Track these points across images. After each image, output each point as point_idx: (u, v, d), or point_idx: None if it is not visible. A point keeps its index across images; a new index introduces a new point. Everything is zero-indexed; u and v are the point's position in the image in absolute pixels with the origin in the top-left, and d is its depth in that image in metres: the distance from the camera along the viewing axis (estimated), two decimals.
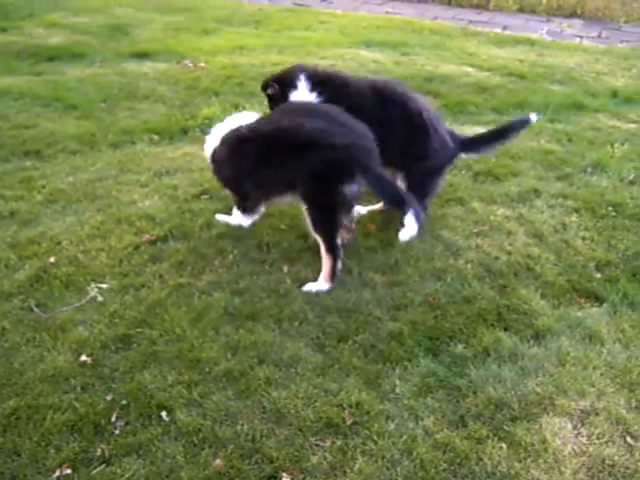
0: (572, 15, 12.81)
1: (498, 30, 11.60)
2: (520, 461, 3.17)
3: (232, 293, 4.25)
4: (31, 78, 8.07)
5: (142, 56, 9.13)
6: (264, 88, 4.98)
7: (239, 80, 8.14)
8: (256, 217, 4.88)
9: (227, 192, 4.98)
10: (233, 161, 4.60)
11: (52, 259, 4.52)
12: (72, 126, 6.69)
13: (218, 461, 3.11)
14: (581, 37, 11.50)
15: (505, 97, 8.00)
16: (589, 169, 6.12)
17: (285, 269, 4.51)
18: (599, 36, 11.65)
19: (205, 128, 6.65)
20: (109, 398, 3.45)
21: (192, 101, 7.48)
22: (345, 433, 3.29)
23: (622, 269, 4.65)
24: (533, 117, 5.07)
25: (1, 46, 9.19)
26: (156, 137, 6.55)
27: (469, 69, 9.09)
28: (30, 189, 5.43)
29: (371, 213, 5.15)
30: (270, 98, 4.95)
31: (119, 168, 5.84)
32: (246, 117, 4.73)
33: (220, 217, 5.01)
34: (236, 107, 7.20)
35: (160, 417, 3.34)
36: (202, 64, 8.73)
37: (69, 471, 3.05)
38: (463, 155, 5.14)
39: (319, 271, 4.39)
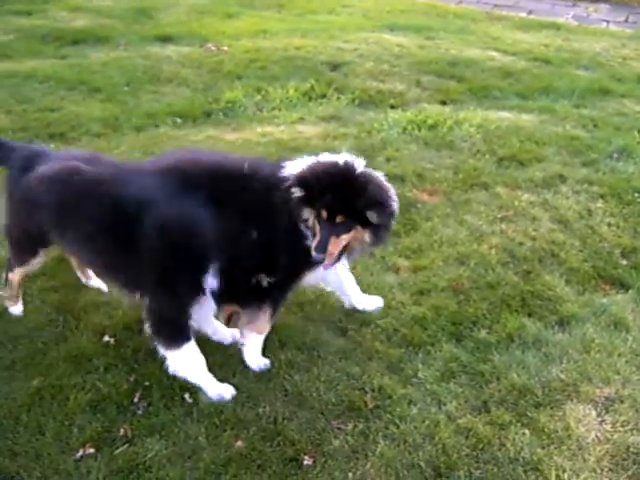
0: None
1: (523, 14, 11.47)
2: (543, 447, 3.15)
3: None
4: (56, 61, 8.09)
5: (166, 39, 9.10)
6: None
7: (262, 64, 8.11)
8: None
9: None
10: None
11: None
12: (96, 109, 6.71)
13: (239, 443, 3.11)
14: (608, 22, 11.35)
15: (530, 82, 7.94)
16: (615, 155, 6.05)
17: None
18: (626, 21, 11.48)
19: (228, 111, 6.69)
20: (132, 379, 3.46)
21: (215, 84, 7.47)
22: (367, 417, 3.29)
23: None
24: None
25: (26, 30, 9.18)
26: (179, 120, 6.55)
27: (494, 53, 9.01)
28: None
29: None
30: None
31: (142, 151, 5.84)
32: None
33: None
34: (259, 91, 7.21)
35: (183, 398, 3.36)
36: (225, 48, 8.70)
37: (92, 450, 3.07)
38: None
39: None
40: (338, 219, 3.16)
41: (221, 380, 3.45)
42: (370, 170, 3.29)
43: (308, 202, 3.18)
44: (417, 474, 3.00)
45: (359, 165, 3.24)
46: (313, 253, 3.22)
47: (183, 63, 8.14)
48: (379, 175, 3.31)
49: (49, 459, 3.03)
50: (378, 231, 3.26)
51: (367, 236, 3.25)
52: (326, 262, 3.28)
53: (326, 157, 3.33)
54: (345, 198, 3.15)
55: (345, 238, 3.22)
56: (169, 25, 9.72)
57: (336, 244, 3.20)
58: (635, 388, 3.50)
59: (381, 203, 3.19)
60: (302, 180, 3.17)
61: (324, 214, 3.17)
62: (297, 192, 3.16)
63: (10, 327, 3.82)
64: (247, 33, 9.45)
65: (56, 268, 4.27)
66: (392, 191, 3.29)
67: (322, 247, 3.17)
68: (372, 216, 3.16)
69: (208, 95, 7.14)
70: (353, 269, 4.26)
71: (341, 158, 3.27)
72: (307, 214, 3.23)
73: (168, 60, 8.23)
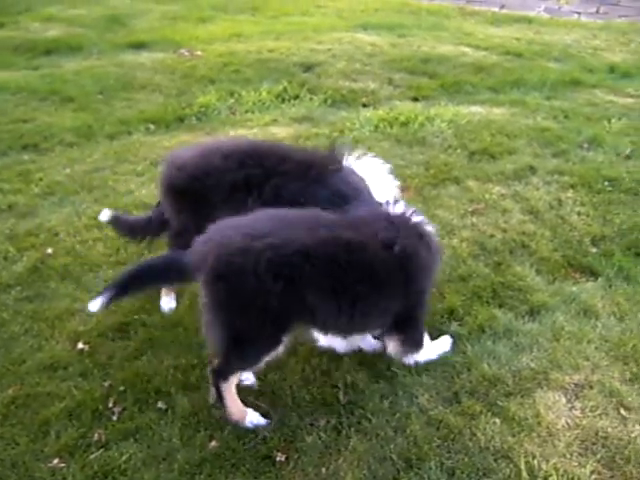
0: None
1: (495, 9, 11.54)
2: (514, 435, 3.20)
3: None
4: (28, 72, 8.09)
5: (139, 46, 9.14)
6: None
7: (235, 67, 8.14)
8: None
9: None
10: None
11: (49, 250, 4.56)
12: (69, 119, 6.72)
13: (213, 443, 3.15)
14: (579, 13, 11.43)
15: (502, 76, 8.02)
16: (585, 145, 6.12)
17: None
18: (597, 12, 11.57)
19: (201, 116, 6.72)
20: (106, 384, 3.49)
21: (189, 89, 7.50)
22: (339, 412, 3.32)
23: (617, 243, 4.67)
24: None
25: None
26: (152, 126, 6.57)
27: (466, 49, 9.07)
28: (28, 182, 5.47)
29: None
30: None
31: (116, 158, 5.87)
32: None
33: None
34: (232, 94, 7.24)
35: (157, 402, 3.38)
36: (199, 52, 8.72)
37: (67, 457, 3.09)
38: None
39: None
40: None
41: (196, 382, 3.50)
42: None
43: None
44: (389, 466, 3.04)
45: None
46: None
47: (156, 69, 8.16)
48: None
49: (24, 467, 3.06)
50: None
51: None
52: None
53: None
54: None
55: None
56: (142, 32, 9.73)
57: None
58: (604, 373, 3.55)
59: None
60: None
61: None
62: None
63: None
64: (221, 37, 9.48)
65: (30, 278, 4.30)
66: None
67: None
68: None
69: (181, 100, 7.16)
70: None
71: None
72: None
73: (141, 67, 8.24)
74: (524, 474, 2.99)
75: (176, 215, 3.85)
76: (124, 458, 3.07)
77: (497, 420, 3.27)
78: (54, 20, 10.42)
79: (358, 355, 3.66)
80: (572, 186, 5.38)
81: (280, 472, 3.02)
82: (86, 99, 7.20)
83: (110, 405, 3.37)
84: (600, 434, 3.20)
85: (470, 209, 5.03)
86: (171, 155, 4.01)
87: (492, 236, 4.72)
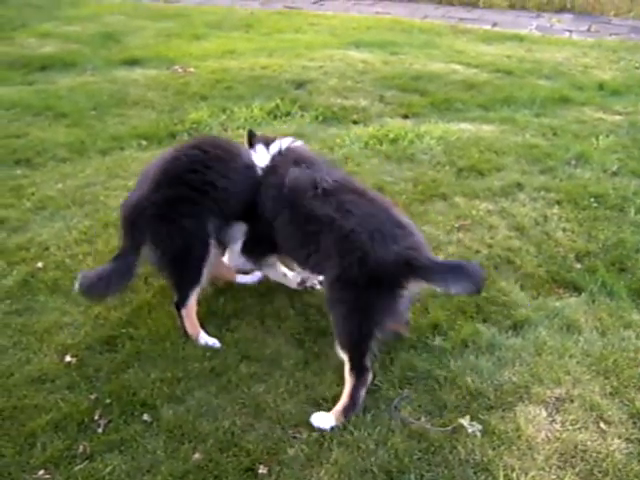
0: (562, 10, 12.89)
1: (488, 27, 11.67)
2: (494, 449, 3.24)
3: (215, 292, 4.32)
4: (23, 88, 8.17)
5: (133, 63, 9.23)
6: None
7: (228, 84, 8.22)
8: None
9: None
10: None
11: (40, 264, 4.60)
12: (62, 134, 6.78)
13: (197, 455, 3.18)
14: (571, 31, 11.56)
15: (492, 93, 8.09)
16: (573, 161, 6.19)
17: None
18: (589, 30, 11.70)
19: (193, 132, 6.78)
20: (93, 397, 3.53)
21: (181, 106, 7.57)
22: None
23: (602, 259, 4.72)
24: None
25: None
26: (145, 142, 6.63)
27: (457, 67, 9.17)
28: (20, 197, 5.51)
29: None
30: None
31: (107, 174, 5.93)
32: None
33: None
34: (224, 111, 7.31)
35: (142, 414, 3.42)
36: (192, 69, 8.81)
37: (52, 468, 3.13)
38: None
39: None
40: None
41: (182, 395, 3.54)
42: None
43: None
44: (369, 479, 3.08)
45: None
46: None
47: (149, 86, 8.24)
48: None
49: (9, 478, 3.08)
50: None
51: None
52: None
53: None
54: None
55: None
56: (136, 49, 9.82)
57: None
58: (585, 388, 3.60)
59: None
60: None
61: None
62: None
63: None
64: (214, 54, 9.58)
65: (19, 292, 4.34)
66: None
67: None
68: None
69: (174, 116, 7.23)
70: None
71: None
72: None
73: (135, 83, 8.33)
74: None
75: (165, 248, 3.92)
76: (108, 470, 3.11)
77: (478, 433, 3.31)
78: (50, 36, 10.53)
79: (341, 369, 3.69)
80: (558, 202, 5.45)
81: None
82: (79, 115, 7.27)
83: (96, 417, 3.40)
84: (579, 447, 3.25)
85: (457, 225, 5.09)
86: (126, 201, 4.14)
87: (478, 252, 4.77)
